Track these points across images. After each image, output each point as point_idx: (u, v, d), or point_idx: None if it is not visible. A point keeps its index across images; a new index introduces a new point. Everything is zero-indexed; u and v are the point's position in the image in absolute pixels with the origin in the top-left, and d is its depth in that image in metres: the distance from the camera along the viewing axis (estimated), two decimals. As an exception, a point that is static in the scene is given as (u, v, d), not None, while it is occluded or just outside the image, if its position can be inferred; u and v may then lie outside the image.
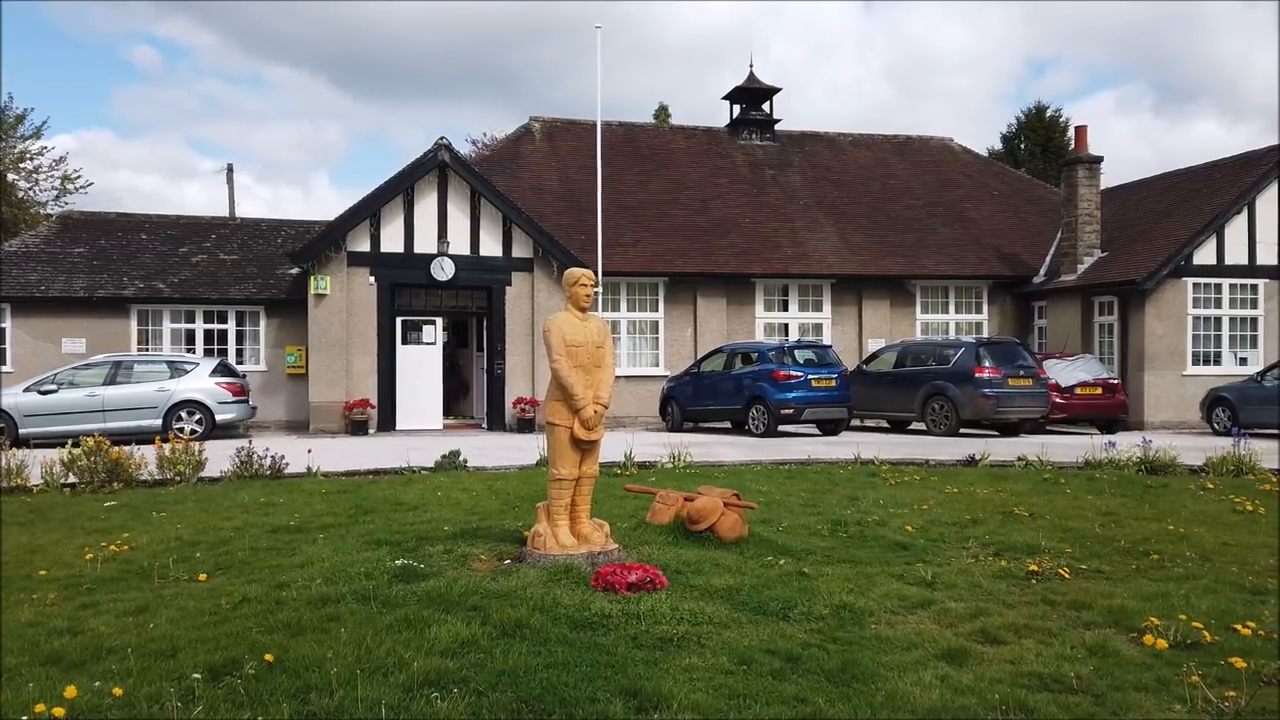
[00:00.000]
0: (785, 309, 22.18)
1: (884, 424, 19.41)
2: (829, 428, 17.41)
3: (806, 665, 4.15)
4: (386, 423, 18.64)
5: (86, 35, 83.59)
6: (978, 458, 11.77)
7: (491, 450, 14.07)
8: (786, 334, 21.86)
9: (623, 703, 3.67)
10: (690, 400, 18.53)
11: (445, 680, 3.86)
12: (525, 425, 18.53)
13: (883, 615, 4.98)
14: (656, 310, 21.50)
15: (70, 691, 3.57)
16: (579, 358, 5.99)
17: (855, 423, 19.05)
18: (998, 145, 41.30)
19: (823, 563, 6.19)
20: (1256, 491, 9.26)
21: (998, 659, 4.26)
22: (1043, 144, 39.44)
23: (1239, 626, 4.61)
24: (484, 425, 19.69)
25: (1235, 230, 19.81)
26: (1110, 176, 61.51)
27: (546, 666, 4.03)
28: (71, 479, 10.22)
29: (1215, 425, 17.22)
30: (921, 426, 17.71)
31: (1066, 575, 5.84)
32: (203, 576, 5.81)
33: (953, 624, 4.84)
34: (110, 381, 16.84)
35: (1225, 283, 19.80)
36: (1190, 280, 19.60)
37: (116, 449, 10.54)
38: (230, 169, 34.66)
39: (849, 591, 5.37)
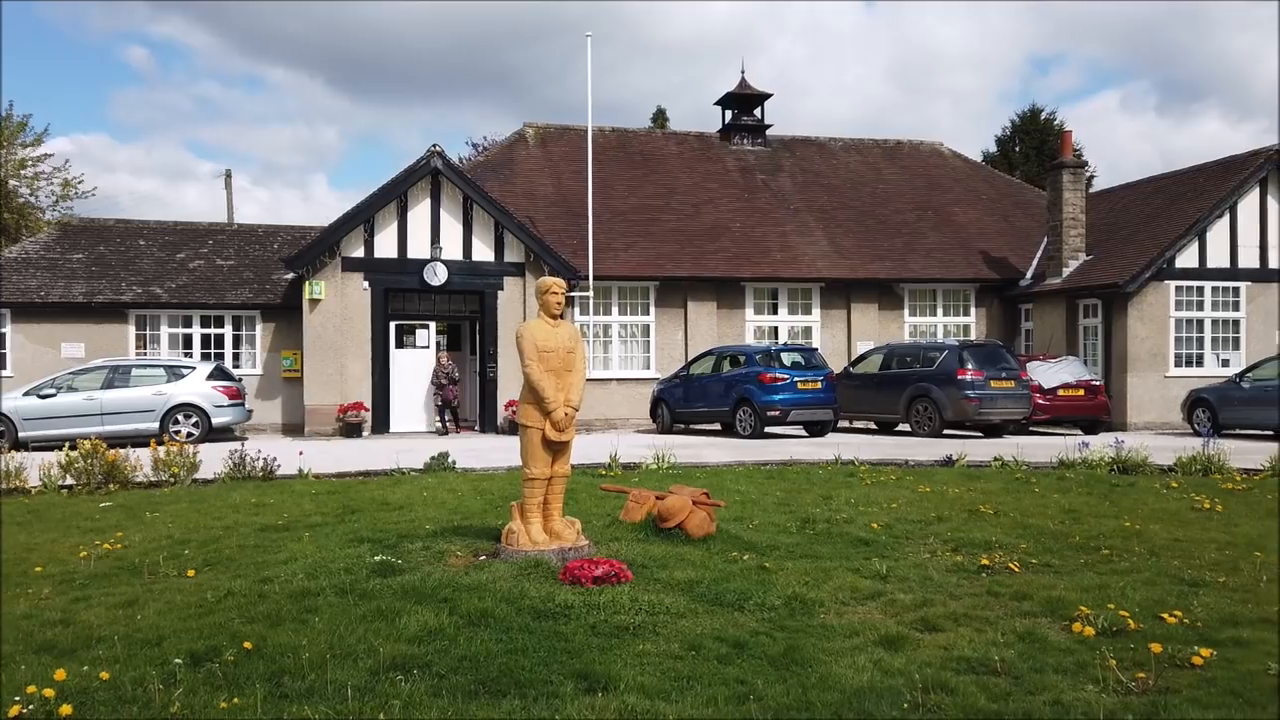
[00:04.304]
0: (775, 312, 22.45)
1: (872, 425, 19.68)
2: (815, 429, 17.68)
3: (752, 651, 4.42)
4: (380, 425, 18.93)
5: (81, 35, 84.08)
6: (955, 458, 12.03)
7: (483, 452, 14.34)
8: (776, 337, 22.14)
9: (574, 684, 3.94)
10: (680, 402, 18.81)
11: (410, 664, 4.14)
12: (517, 428, 18.76)
13: (833, 606, 5.25)
14: (648, 314, 21.78)
15: (60, 675, 3.84)
16: (550, 362, 6.28)
17: (844, 424, 19.34)
18: (993, 148, 41.57)
19: (785, 558, 6.45)
20: (1219, 490, 9.52)
21: (932, 645, 4.54)
22: (1037, 146, 39.71)
23: (1167, 615, 4.88)
24: (476, 428, 19.98)
25: (1217, 233, 20.09)
26: (1113, 176, 61.79)
27: (506, 652, 4.31)
28: (69, 481, 10.50)
29: (1196, 426, 17.46)
30: (907, 428, 17.98)
31: (1016, 569, 6.10)
32: (191, 572, 6.09)
33: (898, 614, 5.11)
34: (108, 385, 17.15)
35: (1207, 285, 20.08)
36: (1172, 283, 19.88)
37: (113, 451, 10.82)
38: (229, 175, 35.01)
39: (804, 584, 5.64)
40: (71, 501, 9.58)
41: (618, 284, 21.41)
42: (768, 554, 6.54)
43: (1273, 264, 20.28)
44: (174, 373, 17.63)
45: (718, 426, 18.76)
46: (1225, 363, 19.89)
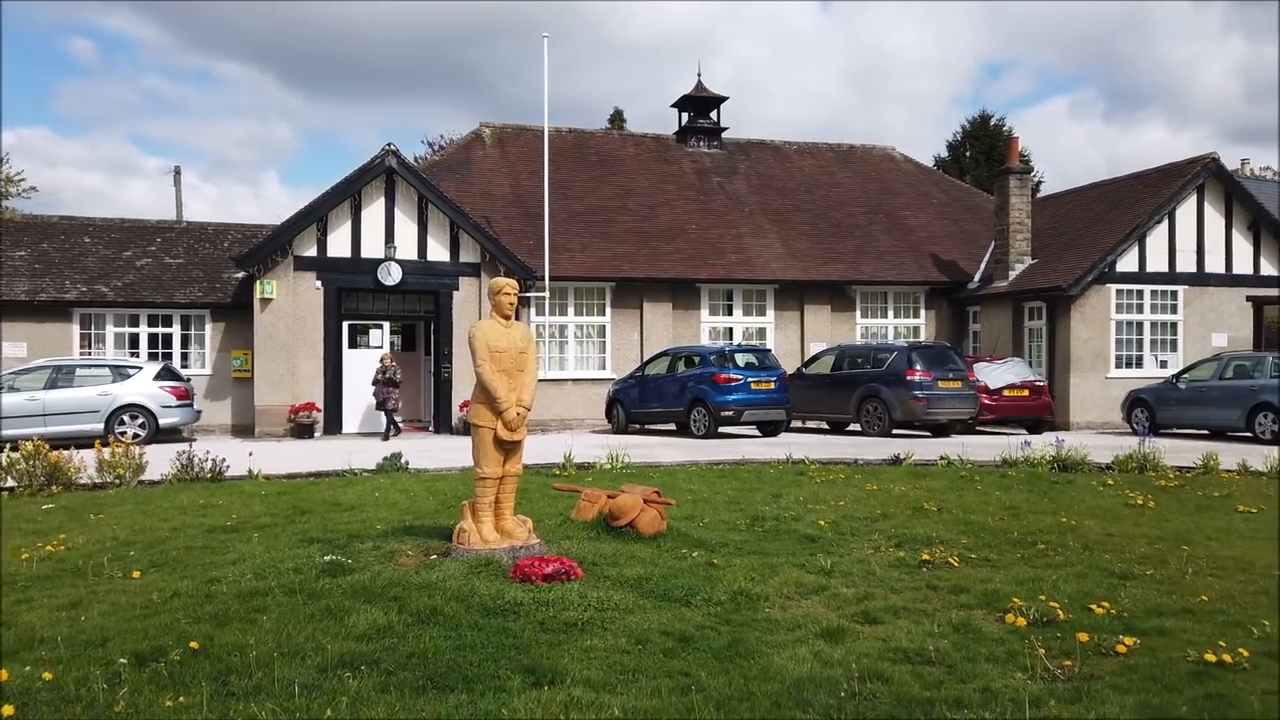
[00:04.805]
0: (730, 313, 22.66)
1: (824, 425, 19.96)
2: (769, 429, 17.89)
3: (697, 644, 4.52)
4: (333, 426, 18.76)
5: (22, 26, 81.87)
6: (902, 457, 12.28)
7: (436, 452, 14.30)
8: (731, 338, 22.35)
9: (521, 678, 4.01)
10: (635, 403, 18.91)
11: (358, 661, 4.17)
12: (470, 428, 18.71)
13: (777, 600, 5.38)
14: (604, 314, 21.84)
15: (1, 675, 3.81)
16: (502, 362, 6.32)
17: (796, 424, 19.58)
18: (945, 153, 42.33)
19: (733, 554, 6.57)
20: (1152, 487, 9.86)
21: (871, 636, 4.68)
22: (987, 151, 40.52)
23: (1094, 606, 5.08)
24: (430, 428, 19.89)
25: (1157, 238, 20.70)
26: (1062, 181, 63.14)
27: (455, 648, 4.35)
28: (10, 483, 10.29)
29: (1135, 426, 17.99)
30: (858, 428, 18.26)
31: (955, 564, 6.29)
32: (136, 573, 6.03)
33: (839, 607, 5.25)
34: (51, 386, 16.78)
35: (1146, 289, 20.68)
36: (1113, 287, 20.45)
37: (56, 453, 10.62)
38: (178, 171, 34.39)
39: (750, 579, 5.76)
40: (13, 503, 9.39)
41: (574, 284, 21.44)
42: (716, 551, 6.66)
43: (1209, 269, 20.95)
44: (120, 373, 17.30)
45: (673, 427, 18.89)
46: (1164, 364, 20.49)
